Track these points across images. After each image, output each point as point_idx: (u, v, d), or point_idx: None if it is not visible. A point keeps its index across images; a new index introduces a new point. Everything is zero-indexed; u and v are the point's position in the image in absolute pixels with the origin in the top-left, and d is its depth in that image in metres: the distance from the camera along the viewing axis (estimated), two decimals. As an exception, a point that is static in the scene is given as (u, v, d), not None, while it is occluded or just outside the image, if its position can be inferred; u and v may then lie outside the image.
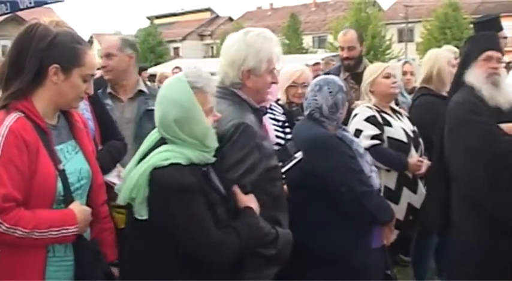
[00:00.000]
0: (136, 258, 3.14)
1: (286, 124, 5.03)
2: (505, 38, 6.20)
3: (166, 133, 3.10)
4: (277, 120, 4.98)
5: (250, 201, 3.27)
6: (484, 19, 6.80)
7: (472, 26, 6.96)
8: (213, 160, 3.17)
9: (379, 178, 4.55)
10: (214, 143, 3.17)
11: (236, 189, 3.26)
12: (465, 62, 5.05)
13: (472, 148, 4.76)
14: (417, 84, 6.52)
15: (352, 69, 6.33)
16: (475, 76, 4.92)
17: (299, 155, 3.83)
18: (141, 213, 3.01)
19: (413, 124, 5.49)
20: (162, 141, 3.13)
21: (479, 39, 5.27)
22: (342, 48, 6.54)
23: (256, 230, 3.21)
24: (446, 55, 5.98)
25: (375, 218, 4.10)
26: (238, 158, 3.28)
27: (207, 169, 3.15)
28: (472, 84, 4.89)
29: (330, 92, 4.20)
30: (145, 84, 5.04)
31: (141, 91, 4.85)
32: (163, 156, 3.01)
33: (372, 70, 5.43)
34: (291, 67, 5.52)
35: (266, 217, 3.37)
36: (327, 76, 4.48)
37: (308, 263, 4.01)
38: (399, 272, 6.42)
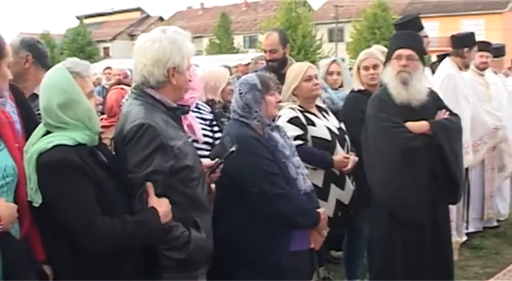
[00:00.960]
0: (49, 248, 3.21)
1: (214, 123, 5.02)
2: (426, 36, 6.30)
3: (50, 120, 3.16)
4: (205, 119, 4.96)
5: (160, 204, 3.27)
6: (403, 20, 6.93)
7: (394, 27, 7.08)
8: (97, 142, 3.27)
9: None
10: (98, 127, 3.28)
11: (150, 187, 3.27)
12: (385, 62, 5.24)
13: (372, 143, 4.99)
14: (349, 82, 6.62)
15: (276, 70, 6.34)
16: (387, 74, 5.11)
17: (234, 148, 3.80)
18: (37, 200, 3.05)
19: (341, 120, 5.58)
20: (46, 133, 3.19)
21: (392, 39, 5.53)
22: (265, 51, 6.58)
23: (148, 229, 3.21)
24: (360, 58, 6.11)
25: (292, 222, 4.07)
26: (140, 158, 3.27)
27: (93, 149, 3.21)
28: (385, 83, 5.07)
29: (240, 93, 4.21)
30: None
31: (35, 94, 4.65)
32: (47, 140, 3.09)
33: (293, 75, 5.45)
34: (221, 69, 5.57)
35: (181, 218, 3.37)
36: (244, 76, 4.48)
37: (230, 262, 4.01)
38: (331, 269, 6.47)
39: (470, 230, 8.34)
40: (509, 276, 6.84)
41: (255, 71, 6.44)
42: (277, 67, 6.41)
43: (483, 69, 8.60)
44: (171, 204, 3.31)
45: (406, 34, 5.53)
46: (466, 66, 7.61)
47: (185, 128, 3.94)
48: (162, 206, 3.27)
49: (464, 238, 7.90)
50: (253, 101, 4.16)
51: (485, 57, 8.55)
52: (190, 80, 3.66)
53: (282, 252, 4.03)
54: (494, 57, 8.76)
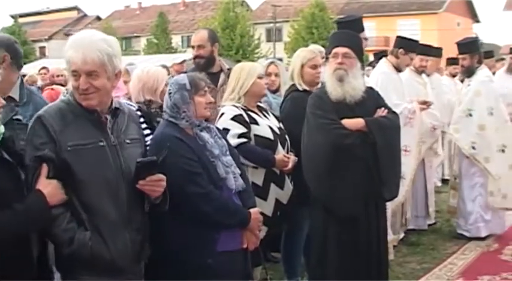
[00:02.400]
0: None
1: (142, 121, 4.96)
2: (366, 39, 6.39)
3: None
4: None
5: (45, 185, 3.24)
6: (346, 19, 7.00)
7: (336, 25, 7.14)
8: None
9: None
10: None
11: (43, 168, 3.26)
12: (325, 61, 5.31)
13: (308, 140, 5.05)
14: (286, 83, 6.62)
15: (203, 68, 6.32)
16: (326, 72, 5.18)
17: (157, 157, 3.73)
18: None
19: (281, 120, 5.60)
20: None
21: (330, 38, 5.62)
22: (193, 47, 6.54)
23: (32, 213, 3.18)
24: (302, 55, 6.09)
25: (216, 221, 4.04)
26: (29, 147, 3.34)
27: None
28: (324, 81, 5.16)
29: (169, 93, 4.19)
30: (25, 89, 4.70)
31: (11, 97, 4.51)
32: None
33: (245, 73, 5.42)
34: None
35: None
36: (176, 76, 4.46)
37: (158, 263, 3.99)
38: (270, 268, 6.48)
39: (416, 228, 8.47)
40: (446, 271, 6.97)
41: (185, 72, 6.45)
42: (204, 65, 6.38)
43: (421, 72, 8.76)
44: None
45: (343, 33, 5.61)
46: (399, 68, 7.70)
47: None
48: (48, 187, 3.23)
49: (402, 235, 8.01)
50: (181, 101, 4.12)
51: (424, 61, 8.71)
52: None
53: (208, 252, 4.00)
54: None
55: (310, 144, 5.17)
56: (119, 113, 3.61)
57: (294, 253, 6.15)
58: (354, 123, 5.10)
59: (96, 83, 3.39)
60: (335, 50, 5.24)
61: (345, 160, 5.02)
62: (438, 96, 10.26)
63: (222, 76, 6.42)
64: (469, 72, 8.39)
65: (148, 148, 3.94)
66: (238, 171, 4.29)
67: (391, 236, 6.88)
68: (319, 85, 5.91)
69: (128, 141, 3.59)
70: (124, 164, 3.50)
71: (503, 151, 8.04)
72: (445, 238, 8.37)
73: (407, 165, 7.33)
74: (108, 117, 3.53)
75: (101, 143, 3.44)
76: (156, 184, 3.54)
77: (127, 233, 3.50)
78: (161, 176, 3.54)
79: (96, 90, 3.40)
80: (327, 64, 5.33)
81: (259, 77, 5.39)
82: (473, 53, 8.29)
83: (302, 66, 6.00)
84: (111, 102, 3.57)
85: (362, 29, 6.54)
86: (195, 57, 6.52)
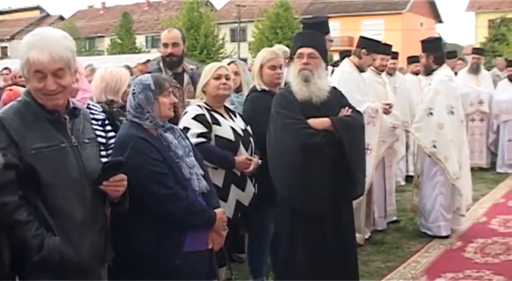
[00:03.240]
0: None
1: (107, 122, 4.92)
2: (331, 41, 6.42)
3: None
4: (97, 120, 4.84)
5: None
6: (313, 21, 7.02)
7: (301, 25, 7.17)
8: None
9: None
10: None
11: None
12: (289, 61, 5.32)
13: (274, 139, 5.06)
14: (249, 83, 6.61)
15: (173, 66, 6.31)
16: (291, 72, 5.20)
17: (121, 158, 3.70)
18: None
19: (246, 121, 5.58)
20: None
21: (295, 38, 5.61)
22: (166, 45, 6.48)
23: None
24: (263, 55, 6.08)
25: (182, 222, 4.04)
26: None
27: None
28: (289, 81, 5.16)
29: (133, 93, 4.16)
30: None
31: None
32: None
33: (206, 71, 5.45)
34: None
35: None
36: (140, 76, 4.42)
37: (125, 264, 3.97)
38: (235, 269, 6.47)
39: (378, 228, 8.53)
40: (410, 269, 7.00)
41: (149, 72, 6.40)
42: (177, 63, 6.38)
43: (382, 71, 8.84)
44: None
45: (308, 33, 5.63)
46: (362, 68, 7.76)
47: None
48: None
49: (368, 234, 8.06)
50: (145, 101, 4.09)
51: (385, 61, 8.80)
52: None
53: (175, 253, 3.99)
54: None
55: (277, 143, 5.17)
56: (78, 113, 3.55)
57: (260, 253, 6.13)
58: (320, 122, 5.11)
59: (63, 82, 3.34)
60: (300, 50, 5.25)
61: (312, 159, 5.03)
62: (401, 95, 10.40)
63: (186, 76, 6.41)
64: (426, 71, 8.49)
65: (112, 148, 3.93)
66: (201, 172, 4.28)
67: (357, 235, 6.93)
68: (282, 85, 5.93)
69: (86, 140, 3.55)
70: (85, 163, 3.45)
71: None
72: (409, 236, 8.41)
73: (368, 164, 7.39)
74: (67, 117, 3.48)
75: (63, 144, 3.38)
76: (118, 184, 3.51)
77: (92, 234, 3.46)
78: (123, 175, 3.52)
79: (63, 89, 3.36)
80: (292, 64, 5.34)
81: (216, 77, 5.36)
82: (429, 52, 8.36)
83: (261, 66, 5.99)
84: (68, 102, 3.52)
85: (328, 31, 6.58)
86: (169, 55, 6.48)
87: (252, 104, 5.95)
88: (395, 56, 11.10)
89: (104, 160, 3.74)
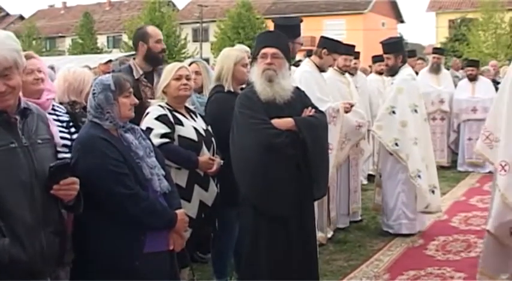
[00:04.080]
0: None
1: (71, 124, 4.88)
2: (301, 44, 6.44)
3: None
4: (62, 121, 4.80)
5: None
6: (286, 22, 7.01)
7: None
8: None
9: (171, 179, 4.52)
10: None
11: None
12: (252, 61, 5.30)
13: (238, 139, 5.05)
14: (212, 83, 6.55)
15: (162, 63, 6.31)
16: (254, 73, 5.18)
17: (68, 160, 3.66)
18: None
19: (208, 122, 5.57)
20: None
21: (258, 38, 5.58)
22: (160, 41, 6.41)
23: None
24: (235, 54, 6.07)
25: (143, 222, 4.01)
26: None
27: None
28: (251, 81, 5.16)
29: (94, 94, 4.13)
30: None
31: None
32: None
33: (167, 71, 5.42)
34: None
35: None
36: (101, 77, 4.38)
37: (85, 266, 3.96)
38: (198, 269, 6.46)
39: (340, 226, 8.56)
40: (372, 267, 7.05)
41: (119, 71, 6.34)
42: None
43: (345, 71, 8.89)
44: None
45: (271, 33, 5.63)
46: (322, 68, 7.79)
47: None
48: None
49: (331, 233, 8.09)
50: (105, 101, 4.07)
51: (348, 61, 8.85)
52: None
53: (136, 253, 3.97)
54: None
55: (241, 143, 5.16)
56: (28, 113, 3.49)
57: (224, 253, 6.13)
58: (284, 122, 5.11)
59: (12, 83, 3.29)
60: (264, 50, 5.24)
61: (276, 159, 5.03)
62: (362, 95, 10.47)
63: (156, 75, 6.37)
64: (392, 72, 8.55)
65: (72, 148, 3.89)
66: (162, 172, 4.26)
67: (320, 234, 6.95)
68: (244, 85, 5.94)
69: (39, 141, 3.50)
70: (37, 165, 3.39)
71: (415, 143, 8.21)
72: (372, 235, 8.48)
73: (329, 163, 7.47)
74: (18, 117, 3.42)
75: (12, 145, 3.32)
76: (69, 188, 3.47)
77: (44, 235, 3.41)
78: (74, 179, 3.48)
79: (12, 90, 3.31)
80: (255, 64, 5.33)
81: (177, 78, 5.33)
82: (397, 53, 8.45)
83: (235, 65, 5.98)
84: (19, 102, 3.47)
85: (299, 34, 6.61)
86: (163, 50, 6.46)
87: (217, 104, 5.91)
88: (356, 55, 11.20)
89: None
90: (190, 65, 6.70)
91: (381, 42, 8.75)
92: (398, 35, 55.83)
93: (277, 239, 5.13)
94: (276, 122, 5.09)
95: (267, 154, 5.02)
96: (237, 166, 5.19)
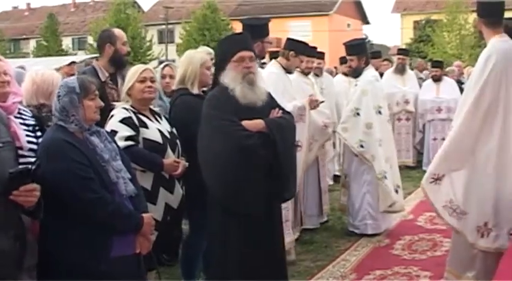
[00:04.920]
0: None
1: (37, 128, 4.83)
2: (271, 43, 6.44)
3: None
4: (28, 125, 4.74)
5: None
6: (254, 22, 7.02)
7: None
8: None
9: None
10: None
11: None
12: (220, 63, 5.22)
13: (207, 142, 5.02)
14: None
15: (127, 65, 6.28)
16: (230, 77, 5.10)
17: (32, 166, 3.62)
18: None
19: (173, 125, 5.55)
20: None
21: (231, 40, 5.48)
22: (126, 43, 6.41)
23: None
24: (200, 57, 6.04)
25: (110, 226, 4.00)
26: None
27: None
28: (227, 85, 5.07)
29: (58, 96, 4.11)
30: None
31: None
32: None
33: (131, 74, 5.39)
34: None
35: None
36: (66, 79, 4.35)
37: (51, 272, 3.92)
38: (165, 272, 6.43)
39: (309, 226, 8.59)
40: (339, 267, 7.09)
41: (84, 72, 6.29)
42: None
43: (308, 73, 8.91)
44: None
45: (245, 36, 5.56)
46: (289, 70, 7.80)
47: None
48: None
49: (297, 234, 8.11)
50: (70, 104, 4.05)
51: (311, 63, 8.88)
52: None
53: (102, 257, 3.95)
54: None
55: (211, 146, 5.08)
56: None
57: (193, 255, 6.10)
58: (255, 124, 5.08)
59: None
60: (241, 53, 5.16)
61: (247, 160, 5.00)
62: (328, 96, 10.51)
63: (120, 77, 6.33)
64: (356, 73, 8.61)
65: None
66: (128, 175, 4.25)
67: (289, 237, 6.95)
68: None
69: (0, 145, 3.47)
70: None
71: (380, 145, 8.27)
72: (338, 235, 8.52)
73: (298, 160, 7.49)
74: None
75: None
76: (29, 194, 3.44)
77: (3, 240, 3.39)
78: (35, 185, 3.45)
79: None
80: (229, 68, 5.22)
81: (141, 80, 5.31)
82: (360, 55, 8.51)
83: (200, 67, 5.94)
84: None
85: (268, 33, 6.62)
86: (128, 53, 6.46)
87: (184, 107, 5.83)
88: (321, 56, 11.25)
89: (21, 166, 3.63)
90: (164, 68, 6.68)
91: (344, 44, 8.80)
92: (364, 36, 56.18)
93: (246, 239, 5.12)
94: (246, 123, 5.06)
95: (239, 155, 4.99)
96: (207, 168, 5.14)
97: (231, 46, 5.29)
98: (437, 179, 5.67)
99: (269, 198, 5.16)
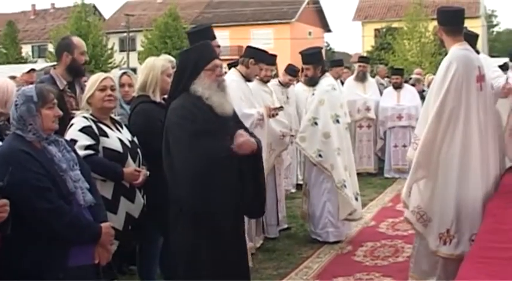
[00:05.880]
0: None
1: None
2: (218, 46, 6.40)
3: None
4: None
5: None
6: (197, 29, 7.00)
7: (188, 36, 7.08)
8: None
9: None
10: None
11: None
12: (191, 72, 5.09)
13: (177, 152, 4.94)
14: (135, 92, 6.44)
15: (84, 75, 6.23)
16: (205, 85, 5.02)
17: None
18: None
19: (133, 133, 5.51)
20: None
21: (203, 48, 5.31)
22: (84, 53, 6.34)
23: None
24: (161, 64, 6.00)
25: (67, 236, 3.97)
26: None
27: None
28: (202, 93, 5.00)
29: (16, 105, 4.06)
30: None
31: None
32: None
33: (91, 82, 5.34)
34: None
35: None
36: (24, 88, 4.29)
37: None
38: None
39: (270, 236, 8.59)
40: (302, 275, 7.09)
41: (41, 81, 6.21)
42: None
43: (267, 81, 8.91)
44: None
45: (212, 45, 5.53)
46: (249, 78, 7.81)
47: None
48: None
49: (260, 242, 8.10)
50: (27, 113, 4.00)
51: (269, 71, 8.88)
52: None
53: (59, 267, 3.91)
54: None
55: (180, 156, 4.99)
56: None
57: (150, 265, 6.08)
58: (251, 145, 5.01)
59: None
60: (215, 62, 5.10)
61: (219, 171, 4.94)
62: (293, 105, 10.57)
63: (77, 86, 6.28)
64: (312, 82, 8.62)
65: None
66: (87, 185, 4.21)
67: (249, 244, 6.94)
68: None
69: None
70: None
71: (339, 154, 8.29)
72: (300, 242, 8.51)
73: None
74: None
75: None
76: (2, 210, 3.41)
77: None
78: (5, 201, 3.42)
79: None
80: (203, 76, 5.16)
81: (102, 89, 5.27)
82: (316, 64, 8.52)
83: (161, 74, 5.90)
84: None
85: (214, 37, 6.58)
86: (86, 62, 6.39)
87: (144, 115, 5.76)
88: (294, 74, 11.46)
89: None
90: (121, 76, 6.63)
91: (300, 53, 8.81)
92: (325, 44, 56.50)
93: (216, 251, 5.03)
94: (242, 143, 4.97)
95: (211, 167, 4.91)
96: (177, 178, 5.03)
97: (204, 54, 5.18)
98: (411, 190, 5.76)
99: (239, 210, 5.13)
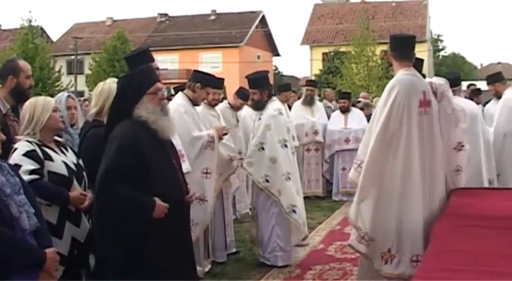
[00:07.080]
0: None
1: None
2: (158, 68, 6.37)
3: None
4: None
5: None
6: (135, 52, 7.00)
7: (126, 61, 7.01)
8: None
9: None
10: None
11: None
12: (126, 96, 5.04)
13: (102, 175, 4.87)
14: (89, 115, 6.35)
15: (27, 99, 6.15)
16: (148, 109, 4.98)
17: None
18: None
19: (85, 156, 5.47)
20: None
21: (145, 72, 5.29)
22: (29, 77, 6.22)
23: None
24: (113, 87, 5.93)
25: (10, 262, 3.92)
26: None
27: None
28: (146, 118, 4.96)
29: None
30: None
31: None
32: None
33: (44, 107, 5.21)
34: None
35: None
36: None
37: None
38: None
39: (219, 260, 8.56)
40: (250, 300, 7.07)
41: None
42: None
43: (214, 105, 8.91)
44: None
45: (153, 68, 5.51)
46: (196, 102, 7.83)
47: None
48: None
49: (208, 267, 8.06)
50: None
51: (217, 95, 8.87)
52: None
53: None
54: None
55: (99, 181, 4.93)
56: None
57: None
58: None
59: None
60: (157, 85, 5.07)
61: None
62: (243, 129, 10.59)
63: (20, 110, 6.18)
64: (259, 106, 8.62)
65: None
66: (32, 210, 4.15)
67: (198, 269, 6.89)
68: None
69: None
70: None
71: (289, 178, 8.31)
72: (249, 266, 8.49)
73: (209, 188, 7.69)
74: None
75: None
76: None
77: None
78: None
79: None
80: (148, 100, 5.05)
81: (54, 110, 5.23)
82: (262, 88, 8.53)
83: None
84: None
85: (153, 59, 6.57)
86: (30, 87, 6.27)
87: (98, 140, 5.47)
88: (245, 98, 11.41)
89: None
90: (67, 99, 6.56)
91: (247, 77, 8.83)
92: (273, 68, 56.79)
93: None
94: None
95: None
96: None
97: (146, 78, 5.15)
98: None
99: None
